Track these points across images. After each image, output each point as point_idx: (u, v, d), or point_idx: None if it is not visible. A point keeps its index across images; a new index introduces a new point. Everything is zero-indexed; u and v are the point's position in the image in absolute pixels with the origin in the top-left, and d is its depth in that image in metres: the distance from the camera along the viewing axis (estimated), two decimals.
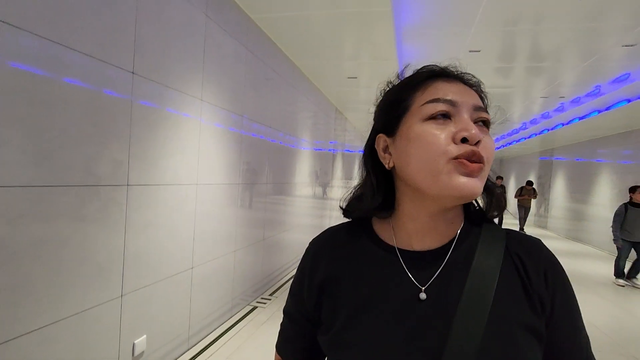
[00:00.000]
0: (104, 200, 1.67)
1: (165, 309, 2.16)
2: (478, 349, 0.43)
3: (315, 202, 5.57)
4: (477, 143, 0.46)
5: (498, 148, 12.50)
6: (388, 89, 0.59)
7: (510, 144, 11.24)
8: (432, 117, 0.48)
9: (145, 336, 1.98)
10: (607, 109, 5.82)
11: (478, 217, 0.55)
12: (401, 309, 0.49)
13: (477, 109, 0.49)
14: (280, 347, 0.63)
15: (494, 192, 0.54)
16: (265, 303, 3.37)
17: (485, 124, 0.50)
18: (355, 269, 0.54)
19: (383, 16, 2.96)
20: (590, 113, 6.34)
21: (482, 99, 0.54)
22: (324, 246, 0.59)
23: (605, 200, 7.48)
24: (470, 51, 4.12)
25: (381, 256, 0.53)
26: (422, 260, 0.52)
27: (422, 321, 0.48)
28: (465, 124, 0.47)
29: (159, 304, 2.09)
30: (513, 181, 14.51)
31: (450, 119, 0.48)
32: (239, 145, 2.96)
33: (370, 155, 0.59)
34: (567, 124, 7.21)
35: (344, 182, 8.07)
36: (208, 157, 2.52)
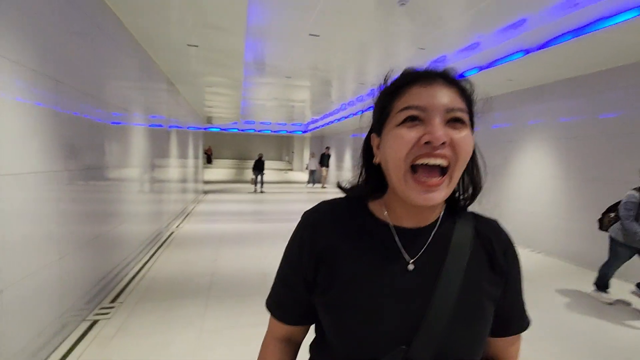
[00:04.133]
0: None
1: None
2: (453, 310, 0.54)
3: (154, 187, 4.88)
4: (443, 144, 0.51)
5: (321, 126, 14.07)
6: (379, 92, 0.63)
7: (329, 123, 12.81)
8: (404, 122, 0.54)
9: None
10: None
11: (455, 203, 0.65)
12: (393, 277, 0.57)
13: (449, 110, 0.53)
14: (275, 309, 0.68)
15: (477, 184, 0.64)
16: (108, 313, 2.79)
17: (459, 121, 0.54)
18: (354, 240, 0.61)
19: None
20: None
21: (464, 93, 0.57)
22: (324, 218, 0.64)
23: None
24: (310, 35, 4.39)
25: (377, 231, 0.61)
26: (411, 236, 0.60)
27: (410, 288, 0.57)
28: (430, 127, 0.52)
29: None
30: (334, 153, 16.66)
31: (422, 121, 0.53)
32: (54, 119, 2.23)
33: (366, 149, 0.66)
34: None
35: (181, 162, 7.35)
36: (7, 138, 1.81)
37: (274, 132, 17.74)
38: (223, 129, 16.92)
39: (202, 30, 3.75)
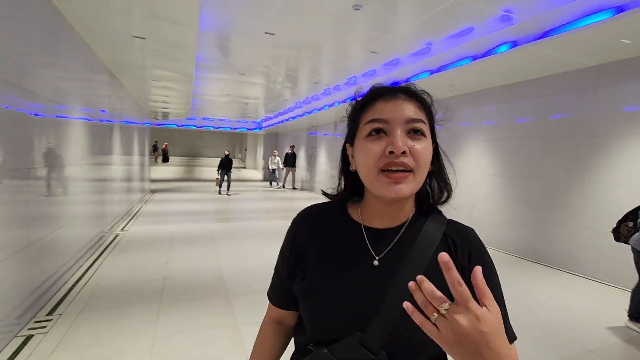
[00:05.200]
0: None
1: None
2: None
3: (94, 186, 4.52)
4: (404, 153, 0.59)
5: (276, 124, 13.95)
6: (350, 106, 0.72)
7: (284, 121, 12.76)
8: (370, 135, 0.62)
9: None
10: (353, 98, 7.57)
11: (429, 208, 0.70)
12: (360, 272, 0.64)
13: (409, 121, 0.61)
14: (272, 295, 0.80)
15: (446, 186, 0.69)
16: (45, 327, 2.55)
17: (418, 132, 0.62)
18: (328, 239, 0.69)
19: None
20: (346, 99, 8.09)
21: (423, 105, 0.65)
22: (306, 219, 0.74)
23: None
24: (266, 33, 4.34)
25: (349, 231, 0.69)
26: (380, 236, 0.67)
27: (372, 282, 0.63)
28: (392, 138, 0.60)
29: None
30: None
31: (386, 134, 0.61)
32: None
33: (343, 158, 0.74)
34: (331, 106, 8.90)
35: (126, 159, 6.88)
36: None
37: (227, 129, 17.22)
38: (172, 125, 16.09)
39: (150, 22, 3.54)
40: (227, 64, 5.99)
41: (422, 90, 0.67)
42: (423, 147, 0.61)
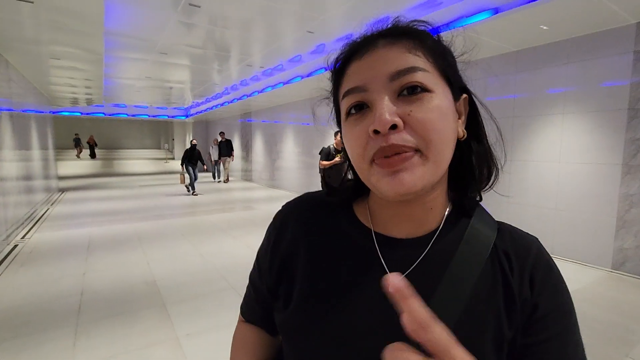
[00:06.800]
0: None
1: None
2: None
3: None
4: (395, 127, 0.38)
5: (203, 111, 13.01)
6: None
7: (213, 107, 11.93)
8: (349, 114, 0.42)
9: None
10: (289, 82, 7.31)
11: (470, 203, 0.48)
12: (366, 301, 0.43)
13: (394, 76, 0.39)
14: (245, 311, 0.59)
15: (489, 163, 0.47)
16: None
17: (415, 89, 0.39)
18: (323, 246, 0.48)
19: None
20: (277, 84, 7.76)
21: (422, 43, 0.41)
22: (294, 214, 0.52)
23: (292, 155, 9.71)
24: (190, 4, 3.84)
25: (355, 237, 0.48)
26: (398, 249, 0.45)
27: (387, 318, 0.39)
28: (375, 112, 0.39)
29: None
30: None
31: (369, 106, 0.40)
32: None
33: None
34: (262, 91, 8.49)
35: (22, 154, 5.75)
36: None
37: (150, 116, 15.63)
38: (82, 114, 14.09)
39: None
40: (145, 42, 5.25)
41: (415, 21, 0.43)
42: (428, 110, 0.38)
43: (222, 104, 11.09)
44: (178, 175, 10.10)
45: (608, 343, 2.40)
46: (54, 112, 11.61)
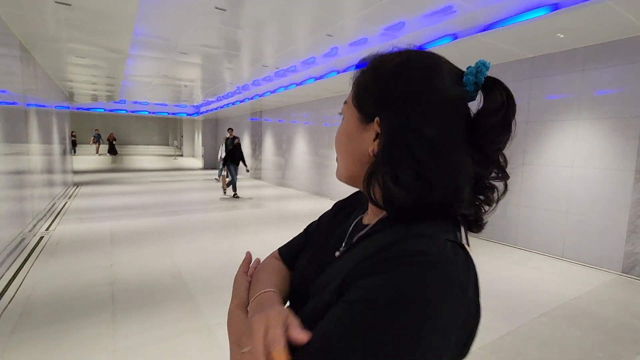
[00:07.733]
0: None
1: None
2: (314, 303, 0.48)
3: (9, 180, 3.82)
4: None
5: (214, 110, 13.17)
6: None
7: (224, 106, 12.09)
8: None
9: None
10: (301, 83, 7.43)
11: (408, 215, 0.49)
12: (325, 257, 0.61)
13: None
14: (284, 250, 0.75)
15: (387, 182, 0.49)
16: None
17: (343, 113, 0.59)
18: (332, 224, 0.70)
19: None
20: (290, 85, 7.88)
21: (358, 79, 0.56)
22: (338, 204, 0.75)
23: (302, 154, 9.82)
24: (216, 8, 3.97)
25: (348, 222, 0.66)
26: (358, 230, 0.60)
27: (325, 270, 0.55)
28: None
29: None
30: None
31: None
32: None
33: None
34: (274, 92, 8.62)
35: (45, 148, 5.94)
36: None
37: (159, 113, 15.84)
38: (91, 109, 14.33)
39: None
40: (167, 42, 5.41)
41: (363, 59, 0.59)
42: (338, 128, 0.59)
43: (233, 103, 11.24)
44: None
45: (619, 343, 2.50)
46: (69, 108, 11.84)
